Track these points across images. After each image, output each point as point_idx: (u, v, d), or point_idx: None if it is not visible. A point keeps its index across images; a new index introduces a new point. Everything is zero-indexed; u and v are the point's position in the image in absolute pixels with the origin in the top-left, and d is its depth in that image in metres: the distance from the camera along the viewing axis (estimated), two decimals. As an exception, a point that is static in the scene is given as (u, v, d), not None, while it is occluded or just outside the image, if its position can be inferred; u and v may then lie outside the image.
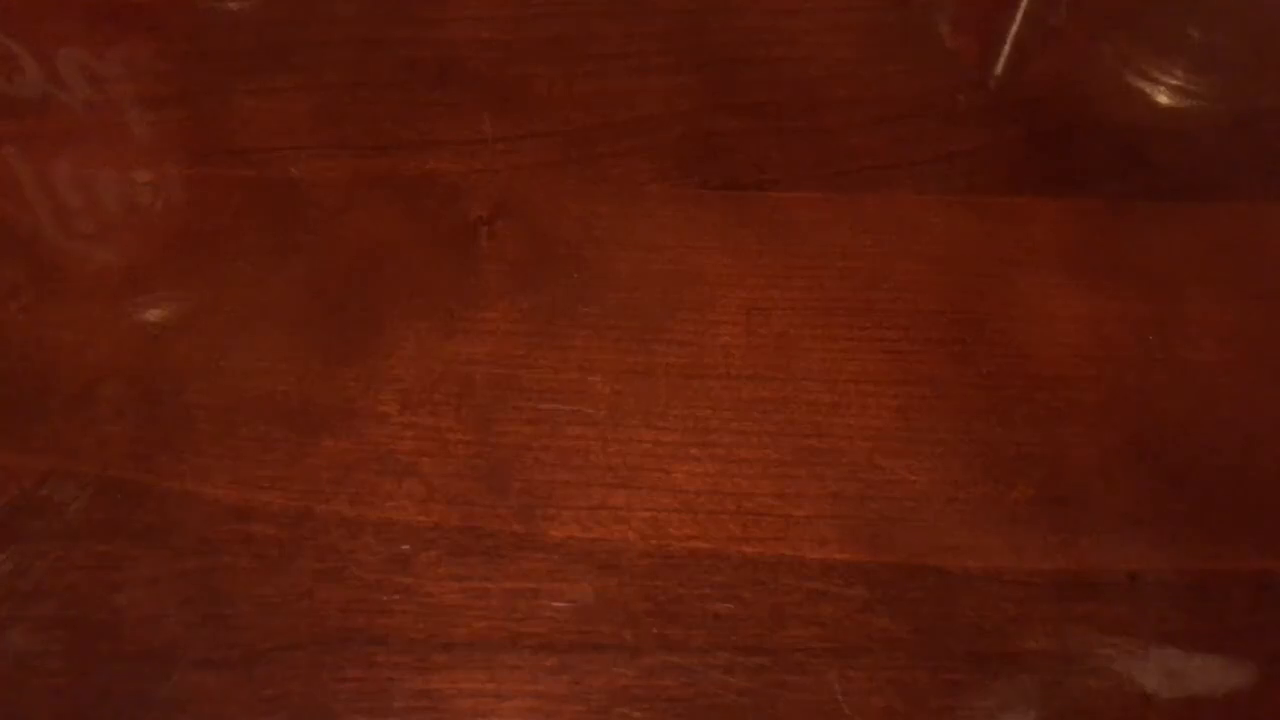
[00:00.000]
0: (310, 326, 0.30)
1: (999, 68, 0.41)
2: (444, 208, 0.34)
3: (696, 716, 0.23)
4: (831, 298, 0.32)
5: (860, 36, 0.42)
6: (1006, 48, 0.42)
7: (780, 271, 0.33)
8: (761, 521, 0.27)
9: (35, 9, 0.40)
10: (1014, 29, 0.42)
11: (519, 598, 0.25)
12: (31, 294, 0.31)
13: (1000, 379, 0.30)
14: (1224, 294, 0.32)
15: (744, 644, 0.25)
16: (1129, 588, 0.26)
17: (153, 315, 0.31)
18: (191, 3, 0.42)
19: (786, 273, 0.33)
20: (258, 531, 0.26)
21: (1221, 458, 0.26)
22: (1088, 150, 0.37)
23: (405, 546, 0.26)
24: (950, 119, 0.38)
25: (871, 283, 0.32)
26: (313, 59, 0.39)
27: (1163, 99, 0.39)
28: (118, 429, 0.28)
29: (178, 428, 0.28)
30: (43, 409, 0.28)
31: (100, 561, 0.25)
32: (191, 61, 0.39)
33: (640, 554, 0.26)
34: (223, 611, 0.25)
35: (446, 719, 0.23)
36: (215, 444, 0.28)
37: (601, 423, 0.29)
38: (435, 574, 0.26)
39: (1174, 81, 0.40)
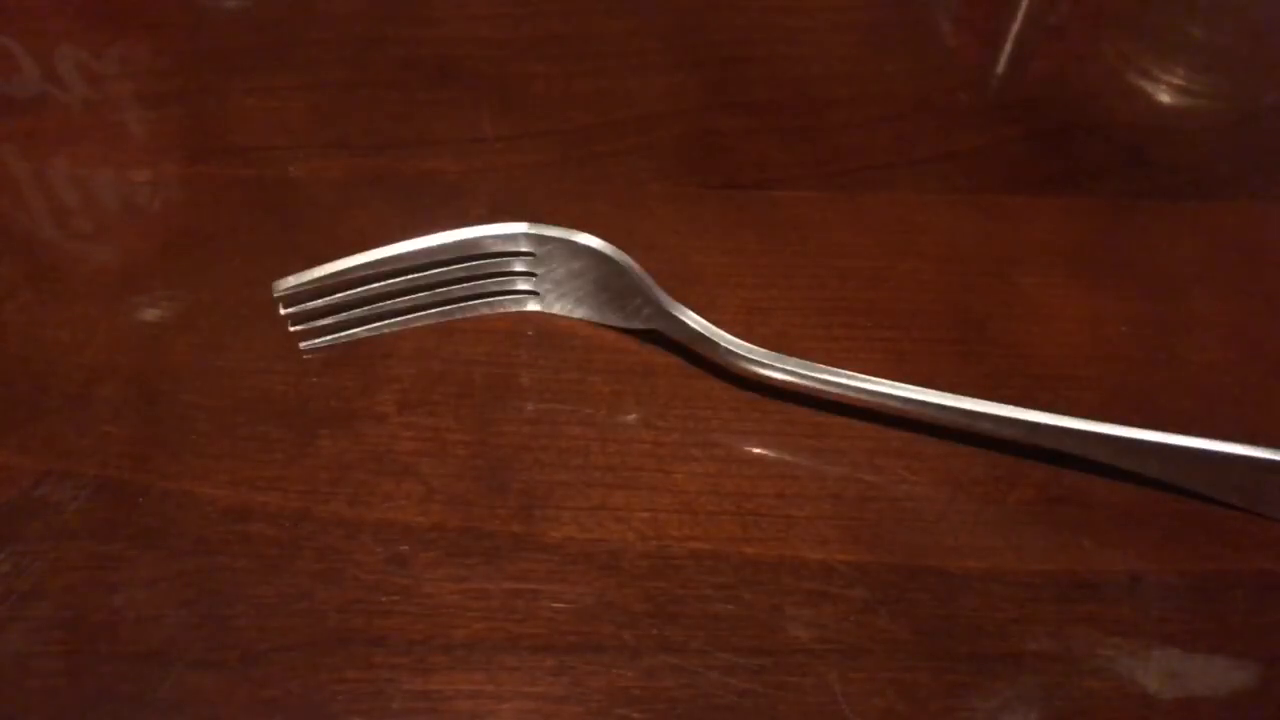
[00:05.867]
0: (309, 326, 0.30)
1: (999, 67, 0.41)
2: (443, 206, 0.34)
3: (696, 718, 0.23)
4: (831, 298, 0.32)
5: (860, 36, 0.42)
6: (1007, 47, 0.42)
7: (780, 271, 0.33)
8: (761, 522, 0.27)
9: (33, 7, 0.40)
10: (1014, 28, 0.43)
11: (518, 598, 0.25)
12: (29, 294, 0.31)
13: (1000, 379, 0.30)
14: (1225, 293, 0.32)
15: (744, 645, 0.24)
16: (1130, 588, 0.26)
17: (150, 315, 0.31)
18: (190, 1, 0.42)
19: (786, 272, 0.33)
20: (256, 532, 0.26)
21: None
22: (1088, 150, 0.37)
23: (404, 547, 0.26)
24: (950, 118, 0.38)
25: (871, 283, 0.32)
26: (311, 58, 0.39)
27: (1164, 98, 0.39)
28: (115, 429, 0.28)
29: (175, 428, 0.28)
30: (40, 409, 0.28)
31: (98, 562, 0.25)
32: (189, 60, 0.39)
33: (640, 554, 0.26)
34: (221, 612, 0.25)
35: (445, 720, 0.23)
36: (213, 444, 0.28)
37: (601, 423, 0.29)
38: (434, 575, 0.25)
39: (1175, 81, 0.40)
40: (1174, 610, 0.25)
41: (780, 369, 0.28)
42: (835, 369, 0.27)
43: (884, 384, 0.27)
